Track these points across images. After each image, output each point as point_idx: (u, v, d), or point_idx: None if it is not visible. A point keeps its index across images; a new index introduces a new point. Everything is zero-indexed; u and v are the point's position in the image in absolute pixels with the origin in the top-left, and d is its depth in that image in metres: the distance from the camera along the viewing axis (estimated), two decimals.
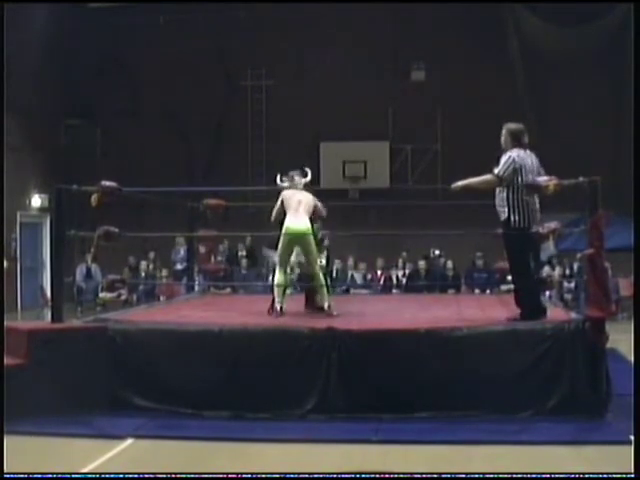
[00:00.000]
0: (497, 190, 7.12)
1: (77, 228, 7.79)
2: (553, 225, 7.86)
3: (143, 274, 16.48)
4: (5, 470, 4.73)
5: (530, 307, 7.14)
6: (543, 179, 7.28)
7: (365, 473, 4.98)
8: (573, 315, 7.40)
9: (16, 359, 6.59)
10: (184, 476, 4.92)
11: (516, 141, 7.19)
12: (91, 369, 6.80)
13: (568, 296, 15.27)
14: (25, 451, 5.61)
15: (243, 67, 18.59)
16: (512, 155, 7.07)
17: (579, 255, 7.32)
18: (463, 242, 15.21)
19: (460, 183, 7.29)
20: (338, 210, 16.59)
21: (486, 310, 8.46)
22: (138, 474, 4.92)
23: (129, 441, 5.99)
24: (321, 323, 7.05)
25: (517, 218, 7.02)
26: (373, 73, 18.17)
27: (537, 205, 7.20)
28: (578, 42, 16.77)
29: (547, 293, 13.29)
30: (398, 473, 5.01)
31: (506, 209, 7.04)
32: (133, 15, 17.97)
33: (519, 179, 7.01)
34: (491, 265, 15.13)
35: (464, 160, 16.63)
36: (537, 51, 17.22)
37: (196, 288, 12.26)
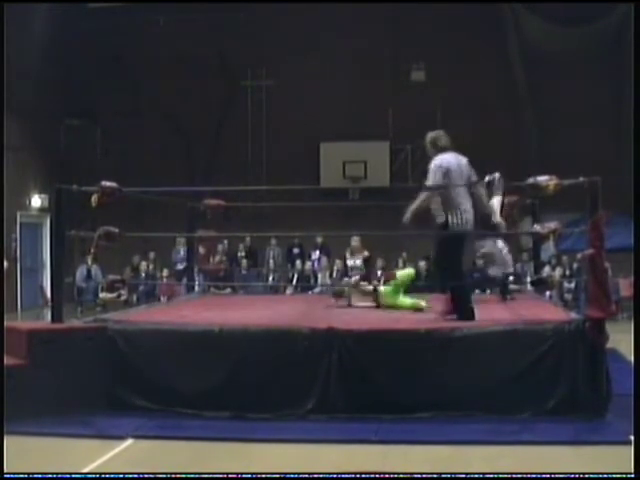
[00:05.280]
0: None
1: (77, 228, 7.79)
2: (553, 225, 7.87)
3: (143, 274, 16.48)
4: (5, 470, 4.73)
5: (465, 308, 7.22)
6: (543, 179, 7.31)
7: (365, 473, 4.98)
8: (573, 315, 7.40)
9: (16, 359, 6.59)
10: (184, 476, 4.92)
11: (435, 147, 7.40)
12: (91, 369, 6.79)
13: (568, 296, 15.27)
14: (25, 451, 5.61)
15: (243, 67, 18.61)
16: (436, 162, 7.25)
17: (579, 255, 7.33)
18: None
19: (407, 216, 7.34)
20: (338, 210, 16.69)
21: (486, 310, 8.45)
22: (138, 474, 4.92)
23: (129, 441, 5.99)
24: (321, 323, 7.05)
25: (455, 221, 7.16)
26: (373, 73, 18.18)
27: (470, 206, 7.31)
28: (578, 42, 16.78)
29: (547, 293, 13.30)
30: (398, 473, 5.01)
31: (443, 213, 7.17)
32: (133, 15, 17.98)
33: (449, 182, 7.16)
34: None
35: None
36: (537, 51, 17.23)
37: (196, 288, 12.26)
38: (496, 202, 8.91)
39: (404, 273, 9.02)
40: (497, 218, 8.86)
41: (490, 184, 9.18)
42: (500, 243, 9.35)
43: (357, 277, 10.36)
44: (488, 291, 10.33)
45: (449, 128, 19.05)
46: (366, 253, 13.96)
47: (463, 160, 7.40)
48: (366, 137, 17.85)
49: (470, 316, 7.17)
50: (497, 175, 9.23)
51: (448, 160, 7.24)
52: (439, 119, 18.00)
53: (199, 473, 4.97)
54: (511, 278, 9.83)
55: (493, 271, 9.36)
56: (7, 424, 5.53)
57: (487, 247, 9.20)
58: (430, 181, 7.23)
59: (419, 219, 7.40)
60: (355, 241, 13.84)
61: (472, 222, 7.31)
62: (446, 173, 7.16)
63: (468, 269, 15.90)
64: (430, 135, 7.51)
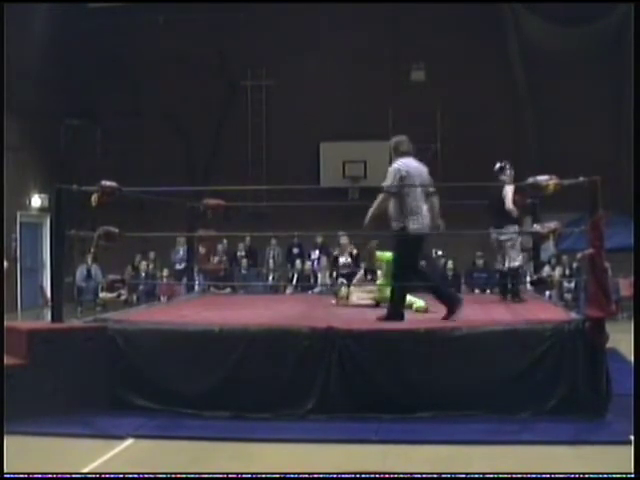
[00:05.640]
0: (391, 200, 7.34)
1: (77, 228, 7.79)
2: (553, 225, 7.88)
3: (143, 274, 16.47)
4: (5, 470, 4.73)
5: (451, 298, 7.41)
6: (543, 178, 7.33)
7: (365, 473, 4.98)
8: (573, 315, 7.40)
9: (16, 359, 6.59)
10: (184, 476, 4.92)
11: (397, 152, 7.47)
12: (91, 369, 6.80)
13: (568, 296, 15.27)
14: (25, 451, 5.61)
15: (243, 67, 18.60)
16: (395, 165, 7.34)
17: (579, 255, 7.34)
18: (463, 242, 15.21)
19: (367, 219, 7.42)
20: (338, 210, 16.69)
21: (486, 310, 8.46)
22: (138, 474, 4.92)
23: (129, 441, 5.99)
24: (321, 323, 7.05)
25: (414, 226, 7.23)
26: (373, 73, 18.18)
27: (427, 212, 7.41)
28: (578, 42, 16.79)
29: (547, 293, 13.30)
30: (398, 473, 5.01)
31: (402, 217, 7.23)
32: (133, 15, 17.98)
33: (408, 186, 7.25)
34: (491, 265, 15.13)
35: (464, 160, 16.67)
36: (537, 51, 17.23)
37: (196, 288, 12.25)
38: (509, 190, 8.96)
39: (386, 254, 8.91)
40: (510, 205, 8.91)
41: (502, 170, 9.27)
42: (516, 228, 9.35)
43: (361, 274, 10.32)
44: (488, 291, 10.30)
45: (449, 128, 19.16)
46: (355, 251, 14.13)
47: (424, 168, 7.52)
48: (366, 137, 17.83)
49: (459, 303, 7.32)
50: (508, 164, 9.30)
51: (408, 165, 7.34)
52: (439, 119, 18.04)
53: (199, 473, 4.98)
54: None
55: (514, 259, 9.28)
56: (7, 424, 5.54)
57: (507, 235, 9.17)
58: (387, 183, 7.31)
59: (380, 221, 7.48)
60: (343, 239, 14.02)
61: (429, 228, 7.45)
62: (405, 177, 7.25)
63: (467, 269, 16.02)
64: (393, 140, 7.59)
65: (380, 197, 7.40)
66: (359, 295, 9.30)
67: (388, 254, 8.73)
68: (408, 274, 7.49)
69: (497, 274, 9.94)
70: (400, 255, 7.48)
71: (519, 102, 17.78)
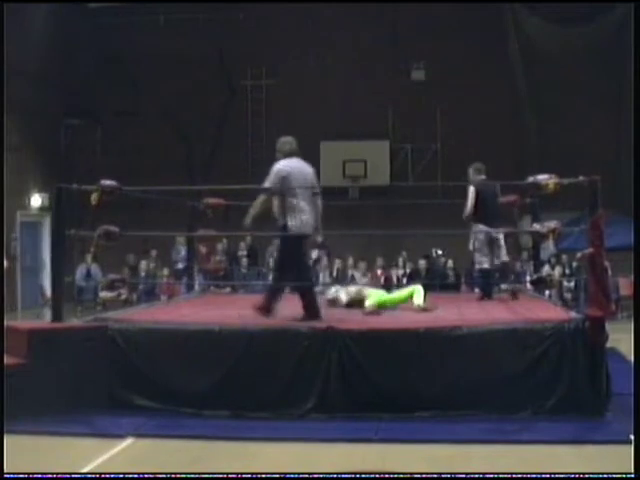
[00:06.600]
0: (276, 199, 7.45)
1: (77, 228, 7.79)
2: (553, 224, 7.88)
3: (143, 273, 16.46)
4: (5, 470, 4.73)
5: (314, 308, 7.41)
6: (543, 177, 7.34)
7: (365, 473, 4.98)
8: (573, 314, 7.40)
9: (16, 359, 6.59)
10: (184, 476, 4.92)
11: (281, 152, 7.58)
12: (91, 369, 6.80)
13: (568, 296, 15.26)
14: (25, 451, 5.61)
15: (243, 67, 18.60)
16: (277, 166, 7.44)
17: (579, 255, 7.34)
18: (463, 242, 15.17)
19: (248, 219, 7.50)
20: (338, 209, 16.70)
21: (486, 309, 8.46)
22: (138, 474, 4.92)
23: (129, 440, 5.99)
24: (321, 323, 7.05)
25: (293, 223, 7.33)
26: (373, 73, 18.18)
27: (309, 212, 7.46)
28: (578, 42, 16.78)
29: (547, 292, 13.29)
30: (398, 473, 5.02)
31: (282, 215, 7.37)
32: (133, 15, 17.99)
33: (289, 185, 7.34)
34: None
35: (464, 160, 16.65)
36: (537, 51, 17.23)
37: (196, 287, 12.24)
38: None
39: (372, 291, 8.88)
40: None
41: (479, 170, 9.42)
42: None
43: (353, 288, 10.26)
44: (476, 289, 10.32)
45: (449, 127, 19.13)
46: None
47: (309, 169, 7.61)
48: (366, 136, 17.84)
49: (317, 315, 7.34)
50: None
51: (290, 166, 7.43)
52: (439, 118, 18.04)
53: (199, 473, 4.98)
54: (497, 275, 9.81)
55: (504, 255, 9.37)
56: (7, 423, 5.54)
57: (501, 233, 9.29)
58: (267, 184, 7.42)
59: (260, 221, 7.57)
60: None
61: (310, 227, 7.50)
62: (285, 177, 7.34)
63: (468, 269, 16.02)
64: (280, 140, 7.68)
65: (260, 198, 7.51)
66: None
67: (374, 291, 8.75)
68: (287, 271, 7.59)
69: (478, 273, 9.97)
70: (282, 252, 7.64)
71: (519, 102, 17.78)
